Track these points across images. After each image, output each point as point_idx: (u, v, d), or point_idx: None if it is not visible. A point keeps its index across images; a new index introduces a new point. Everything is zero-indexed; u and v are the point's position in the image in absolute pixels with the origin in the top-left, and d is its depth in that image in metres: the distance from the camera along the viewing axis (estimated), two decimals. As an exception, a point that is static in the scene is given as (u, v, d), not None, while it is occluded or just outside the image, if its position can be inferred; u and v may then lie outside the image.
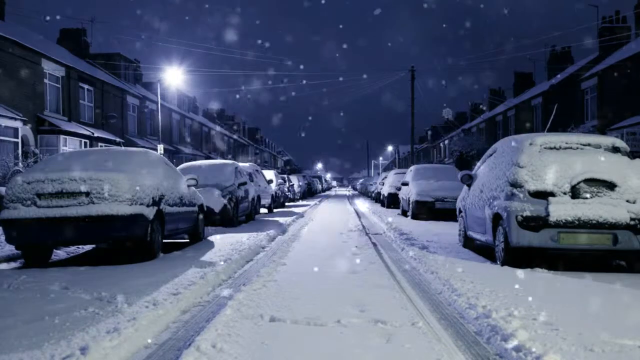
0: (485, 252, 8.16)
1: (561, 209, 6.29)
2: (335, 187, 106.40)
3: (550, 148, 6.80)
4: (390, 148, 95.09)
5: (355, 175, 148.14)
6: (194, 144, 41.02)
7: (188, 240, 9.73)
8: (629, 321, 4.13)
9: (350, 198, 40.29)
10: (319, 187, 57.04)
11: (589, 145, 6.87)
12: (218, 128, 50.12)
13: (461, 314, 4.58)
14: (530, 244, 6.44)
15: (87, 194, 6.89)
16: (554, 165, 6.53)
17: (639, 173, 6.51)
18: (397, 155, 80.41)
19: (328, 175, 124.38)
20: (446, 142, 49.92)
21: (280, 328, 4.14)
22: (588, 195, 6.38)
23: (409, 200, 15.89)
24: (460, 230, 9.30)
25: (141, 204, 7.18)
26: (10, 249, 8.01)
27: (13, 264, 7.60)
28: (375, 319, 4.32)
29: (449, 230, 11.40)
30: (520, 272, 6.21)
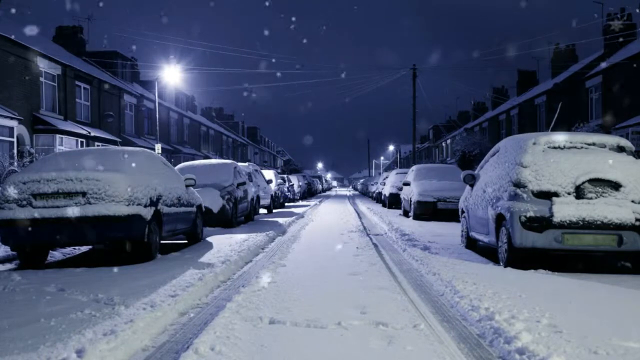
0: (488, 253, 8.10)
1: (565, 210, 6.23)
2: (335, 187, 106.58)
3: (555, 147, 6.74)
4: (391, 147, 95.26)
5: (356, 175, 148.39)
6: (193, 144, 40.97)
7: (186, 241, 9.66)
8: (634, 323, 4.08)
9: (351, 198, 40.30)
10: (319, 187, 57.06)
11: (593, 144, 6.81)
12: (217, 127, 50.09)
13: (464, 316, 4.53)
14: (533, 245, 6.38)
15: (84, 194, 6.82)
16: (558, 165, 6.46)
17: None
18: (398, 155, 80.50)
19: (328, 175, 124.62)
20: (448, 141, 49.89)
21: (280, 330, 4.09)
22: (593, 196, 6.31)
23: (411, 201, 15.83)
24: (462, 231, 9.23)
25: (138, 204, 7.11)
26: (5, 250, 7.96)
27: (9, 265, 7.55)
28: (377, 321, 4.28)
29: (451, 231, 11.35)
30: (523, 274, 6.17)
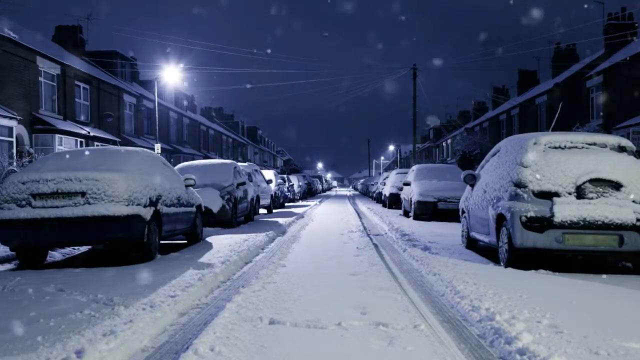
0: (488, 253, 8.09)
1: (566, 210, 6.22)
2: (335, 187, 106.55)
3: (555, 147, 6.73)
4: (391, 147, 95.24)
5: (356, 175, 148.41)
6: (192, 143, 40.96)
7: (186, 242, 9.64)
8: (635, 324, 4.08)
9: (351, 198, 40.26)
10: (319, 187, 57.04)
11: (594, 144, 6.79)
12: (217, 127, 50.06)
13: (464, 316, 4.52)
14: (534, 245, 6.36)
15: (83, 194, 6.80)
16: (558, 165, 6.45)
17: None
18: (398, 155, 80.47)
19: (328, 175, 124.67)
20: (449, 141, 49.85)
21: (280, 331, 4.07)
22: (593, 196, 6.30)
23: (411, 201, 15.82)
24: (463, 231, 9.22)
25: (138, 204, 7.09)
26: (4, 250, 7.94)
27: (8, 265, 7.54)
28: (377, 321, 4.26)
29: (451, 231, 11.34)
30: (524, 274, 6.16)
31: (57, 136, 20.78)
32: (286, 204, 26.93)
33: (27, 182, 6.84)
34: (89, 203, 6.79)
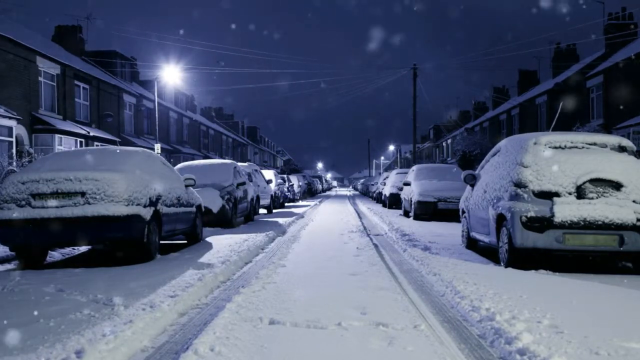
0: (488, 253, 8.09)
1: (566, 210, 6.22)
2: (335, 187, 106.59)
3: (555, 147, 6.72)
4: (391, 147, 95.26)
5: (356, 175, 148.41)
6: (192, 143, 40.94)
7: (186, 242, 9.64)
8: (635, 324, 4.07)
9: (351, 198, 40.27)
10: (319, 187, 57.04)
11: (594, 144, 6.79)
12: (216, 127, 50.06)
13: (464, 316, 4.52)
14: (534, 245, 6.36)
15: (83, 194, 6.80)
16: (559, 165, 6.45)
17: None
18: (399, 155, 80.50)
19: (328, 175, 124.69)
20: (449, 141, 49.85)
21: (280, 331, 4.07)
22: (594, 196, 6.30)
23: (411, 201, 15.81)
24: (463, 231, 9.22)
25: (138, 204, 7.09)
26: (4, 250, 7.94)
27: (8, 266, 7.54)
28: (377, 321, 4.26)
29: (451, 231, 11.34)
30: (524, 274, 6.16)
31: (57, 136, 20.77)
32: (286, 204, 26.93)
33: (26, 182, 6.83)
34: (89, 203, 6.78)
